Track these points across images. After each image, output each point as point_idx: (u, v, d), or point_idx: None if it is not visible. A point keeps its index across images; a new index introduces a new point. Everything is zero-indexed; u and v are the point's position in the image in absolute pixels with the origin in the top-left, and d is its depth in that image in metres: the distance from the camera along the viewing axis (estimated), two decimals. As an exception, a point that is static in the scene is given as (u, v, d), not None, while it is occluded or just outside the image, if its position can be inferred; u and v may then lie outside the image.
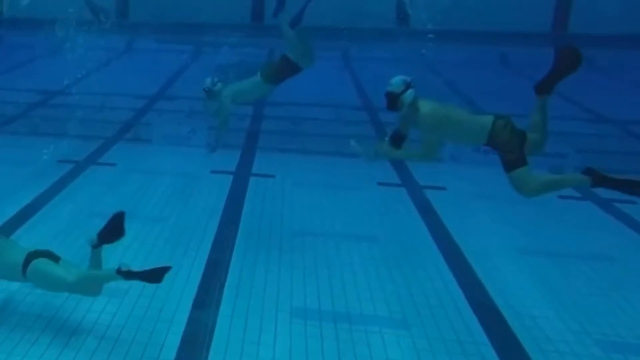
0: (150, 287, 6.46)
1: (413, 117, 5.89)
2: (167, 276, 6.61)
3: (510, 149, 5.70)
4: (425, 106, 5.84)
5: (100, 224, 7.95)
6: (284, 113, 14.38)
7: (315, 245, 7.55)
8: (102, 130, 12.70)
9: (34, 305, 6.06)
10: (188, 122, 12.83)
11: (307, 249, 7.51)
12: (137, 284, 6.47)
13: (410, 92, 5.83)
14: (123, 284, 6.50)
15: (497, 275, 6.96)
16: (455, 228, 8.25)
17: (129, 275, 5.33)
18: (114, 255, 7.22)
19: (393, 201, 9.36)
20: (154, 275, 5.37)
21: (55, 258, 5.71)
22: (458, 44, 20.84)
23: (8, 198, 8.87)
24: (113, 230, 5.86)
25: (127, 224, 7.93)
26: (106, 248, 7.30)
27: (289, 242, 7.82)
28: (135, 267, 6.78)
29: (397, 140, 6.13)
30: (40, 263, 5.60)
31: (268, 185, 9.93)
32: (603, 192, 9.65)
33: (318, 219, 8.59)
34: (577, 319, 6.11)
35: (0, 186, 9.41)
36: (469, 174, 10.70)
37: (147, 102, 15.44)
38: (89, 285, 5.64)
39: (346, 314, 6.11)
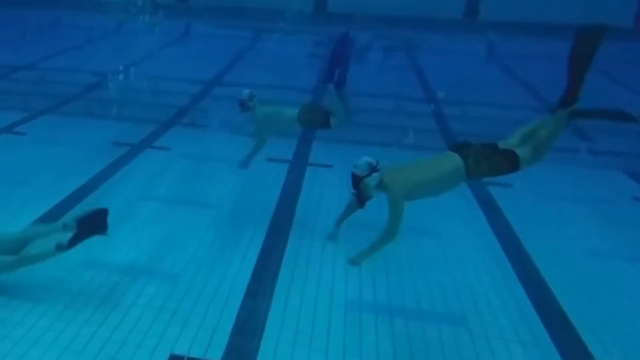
0: (202, 272, 6.65)
1: (383, 192, 5.88)
2: (221, 263, 6.88)
3: (497, 171, 5.55)
4: (394, 181, 5.75)
5: (153, 207, 8.25)
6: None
7: (371, 237, 7.53)
8: (158, 113, 12.91)
9: (85, 285, 6.25)
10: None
11: (363, 242, 7.48)
12: (189, 270, 6.65)
13: (374, 176, 5.73)
14: (174, 269, 6.70)
15: (563, 276, 6.87)
16: (520, 227, 8.16)
17: (71, 243, 5.65)
18: (168, 242, 7.41)
19: (455, 197, 9.25)
20: (96, 224, 5.74)
21: None
22: (528, 37, 20.62)
23: (62, 179, 9.12)
24: (92, 226, 5.85)
25: (180, 209, 8.17)
26: (157, 235, 7.54)
27: (345, 234, 7.79)
28: (188, 255, 7.00)
29: (361, 201, 6.13)
30: None
31: (325, 175, 9.98)
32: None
33: (376, 211, 8.55)
34: (648, 325, 6.02)
35: (55, 167, 9.69)
36: (536, 171, 10.51)
37: (204, 87, 15.66)
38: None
39: (402, 309, 6.13)
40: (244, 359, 5.30)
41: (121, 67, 16.81)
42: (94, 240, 6.80)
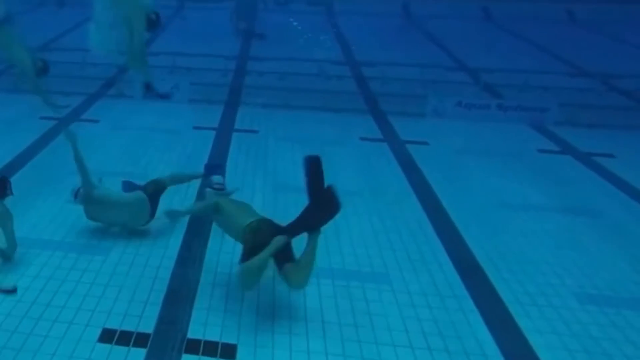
0: (133, 243, 6.45)
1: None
2: (151, 233, 6.68)
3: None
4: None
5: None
6: (267, 68, 14.19)
7: (297, 200, 7.43)
8: (84, 86, 12.46)
9: (14, 264, 6.00)
10: (171, 78, 12.66)
11: (290, 204, 7.37)
12: (119, 242, 6.45)
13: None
14: (104, 242, 6.48)
15: (477, 229, 6.95)
16: (437, 183, 8.21)
17: None
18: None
19: (375, 156, 9.29)
20: None
21: None
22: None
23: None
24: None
25: (110, 181, 7.86)
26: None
27: (272, 197, 7.77)
28: (117, 227, 6.76)
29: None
30: None
31: (251, 140, 9.81)
32: (582, 146, 9.70)
33: (301, 173, 8.47)
34: (556, 272, 6.12)
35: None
36: (452, 128, 10.64)
37: (130, 57, 15.14)
38: None
39: (329, 269, 6.08)
40: (176, 328, 5.17)
41: (46, 40, 16.14)
42: (23, 217, 6.54)
